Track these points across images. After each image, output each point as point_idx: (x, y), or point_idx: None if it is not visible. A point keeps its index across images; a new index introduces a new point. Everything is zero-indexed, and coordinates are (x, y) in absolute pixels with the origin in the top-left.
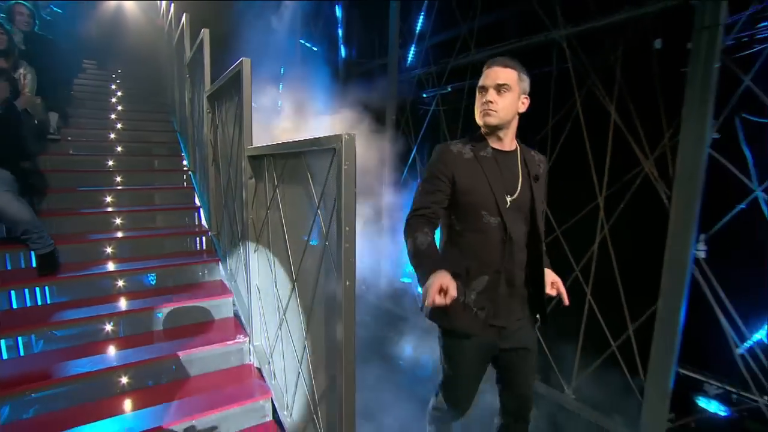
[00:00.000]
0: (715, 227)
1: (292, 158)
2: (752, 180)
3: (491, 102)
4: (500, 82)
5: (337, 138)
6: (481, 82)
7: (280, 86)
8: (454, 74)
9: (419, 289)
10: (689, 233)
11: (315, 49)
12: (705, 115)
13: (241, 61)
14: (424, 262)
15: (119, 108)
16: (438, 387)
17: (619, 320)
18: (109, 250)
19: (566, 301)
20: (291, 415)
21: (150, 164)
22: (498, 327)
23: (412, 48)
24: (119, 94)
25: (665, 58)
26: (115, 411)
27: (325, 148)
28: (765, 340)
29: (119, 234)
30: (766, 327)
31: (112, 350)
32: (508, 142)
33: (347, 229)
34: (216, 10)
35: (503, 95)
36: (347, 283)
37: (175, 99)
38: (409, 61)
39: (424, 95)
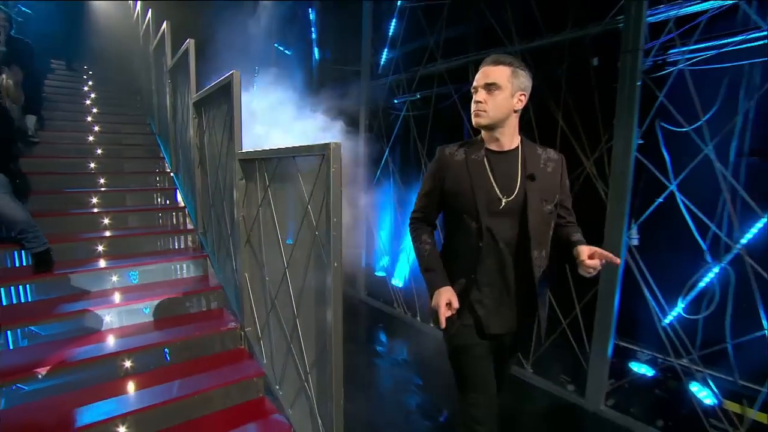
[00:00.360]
0: (641, 218)
1: (284, 161)
2: (669, 178)
3: (480, 102)
4: (489, 81)
5: (326, 146)
6: (473, 83)
7: (254, 87)
8: (422, 82)
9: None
10: (622, 223)
11: (288, 53)
12: (632, 124)
13: (232, 73)
14: (427, 276)
15: (95, 110)
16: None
17: (569, 301)
18: (100, 248)
19: (616, 260)
20: (281, 388)
21: (133, 167)
22: (486, 333)
23: (384, 56)
24: (93, 96)
25: (601, 74)
26: (118, 392)
27: (316, 154)
28: (682, 313)
29: (107, 233)
30: (680, 303)
31: (111, 339)
32: (507, 141)
33: (335, 219)
34: (189, 11)
35: (493, 94)
36: (335, 264)
37: (154, 102)
38: (381, 68)
39: (395, 101)
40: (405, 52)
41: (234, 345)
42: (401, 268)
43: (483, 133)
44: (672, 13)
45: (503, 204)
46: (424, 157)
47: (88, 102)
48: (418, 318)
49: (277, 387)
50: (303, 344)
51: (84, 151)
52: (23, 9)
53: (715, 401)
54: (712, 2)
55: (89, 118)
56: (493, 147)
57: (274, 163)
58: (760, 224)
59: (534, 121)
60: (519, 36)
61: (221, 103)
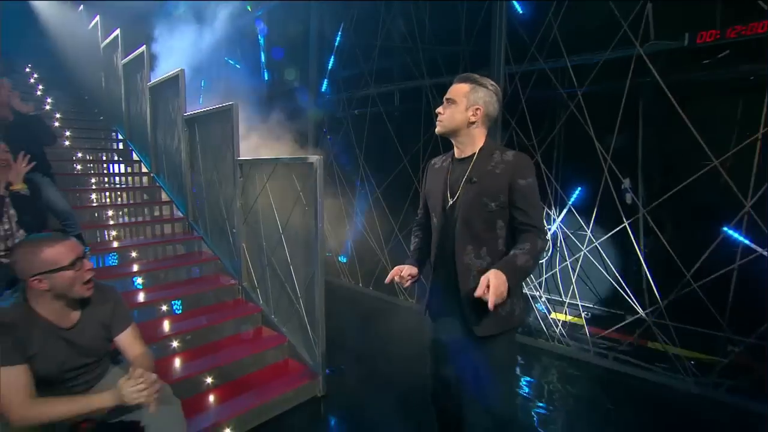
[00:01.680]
0: None
1: (281, 165)
2: None
3: (438, 113)
4: (447, 96)
5: (315, 157)
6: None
7: (200, 100)
8: (359, 101)
9: None
10: None
11: (238, 66)
12: (495, 138)
13: (233, 104)
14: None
15: (58, 115)
16: None
17: None
18: (113, 233)
19: (490, 305)
20: (276, 316)
21: (115, 169)
22: (438, 311)
23: (326, 79)
24: (49, 100)
25: None
26: (158, 328)
27: (308, 162)
28: None
29: (111, 222)
30: None
31: (141, 296)
32: (466, 149)
33: (320, 200)
34: (140, 21)
35: (448, 107)
36: (319, 225)
37: (124, 111)
38: (324, 88)
39: (338, 116)
40: (344, 77)
41: (233, 297)
42: (345, 249)
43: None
44: (518, 70)
45: (449, 204)
46: (362, 161)
47: (47, 107)
48: (360, 284)
49: (273, 316)
50: (295, 281)
51: (63, 154)
52: None
53: (546, 311)
54: (542, 65)
55: (57, 124)
56: (456, 154)
57: (271, 166)
58: None
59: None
60: (428, 74)
61: (218, 122)
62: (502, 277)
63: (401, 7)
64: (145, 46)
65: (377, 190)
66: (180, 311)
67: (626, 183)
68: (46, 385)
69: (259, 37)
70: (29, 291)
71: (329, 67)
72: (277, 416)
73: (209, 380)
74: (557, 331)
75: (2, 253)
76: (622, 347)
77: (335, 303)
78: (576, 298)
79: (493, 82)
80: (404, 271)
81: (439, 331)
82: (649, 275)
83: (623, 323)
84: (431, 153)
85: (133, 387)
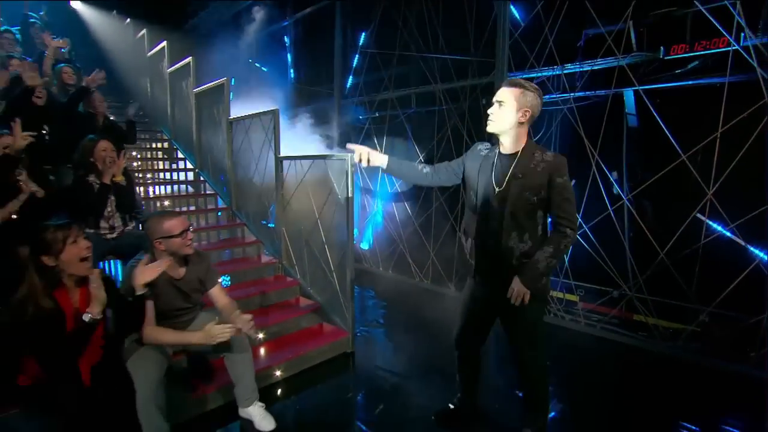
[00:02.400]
0: None
1: (317, 161)
2: None
3: (489, 114)
4: (498, 99)
5: (347, 154)
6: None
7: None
8: (379, 104)
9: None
10: None
11: (265, 69)
12: None
13: (275, 109)
14: None
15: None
16: None
17: None
18: None
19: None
20: (312, 288)
21: (161, 164)
22: (483, 281)
23: (349, 84)
24: None
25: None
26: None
27: (341, 159)
28: None
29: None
30: None
31: None
32: (509, 146)
33: (351, 193)
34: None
35: (500, 108)
36: (350, 210)
37: (169, 115)
38: (347, 91)
39: (360, 117)
40: (366, 81)
41: (273, 273)
42: (367, 237)
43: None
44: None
45: (496, 191)
46: None
47: None
48: (381, 269)
49: (309, 288)
50: (329, 257)
51: None
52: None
53: None
54: (539, 73)
55: None
56: (502, 149)
57: (308, 162)
58: None
59: (451, 137)
60: (441, 79)
61: (260, 124)
62: (523, 288)
63: (417, 19)
64: (191, 57)
65: (396, 184)
66: (228, 285)
67: (614, 175)
68: (161, 319)
69: (287, 43)
70: (154, 250)
71: (352, 73)
72: (315, 365)
73: (261, 336)
74: (554, 307)
75: (107, 230)
76: (609, 319)
77: (358, 284)
78: (570, 277)
79: (536, 86)
80: (371, 155)
81: (483, 293)
82: (630, 255)
83: (607, 297)
84: (444, 149)
85: (218, 330)
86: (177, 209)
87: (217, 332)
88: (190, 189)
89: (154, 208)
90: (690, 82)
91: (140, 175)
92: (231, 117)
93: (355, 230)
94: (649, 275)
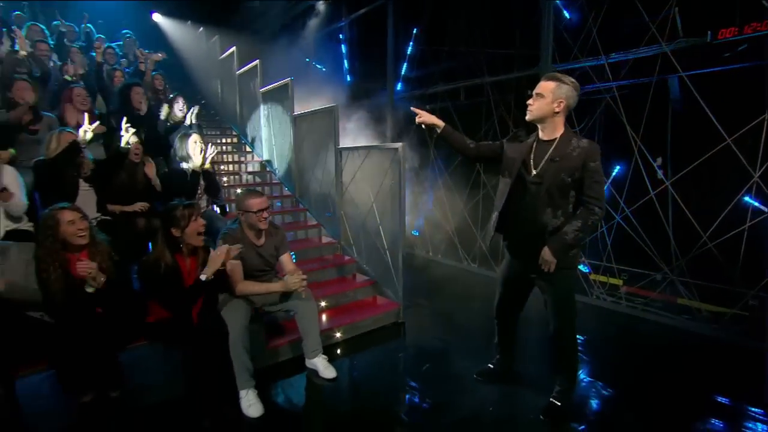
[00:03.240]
0: None
1: (373, 151)
2: None
3: (528, 104)
4: (537, 91)
5: (398, 144)
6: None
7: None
8: (429, 97)
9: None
10: None
11: (322, 68)
12: None
13: (335, 105)
14: None
15: None
16: None
17: None
18: None
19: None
20: (367, 265)
21: (231, 157)
22: (517, 254)
23: (401, 78)
24: None
25: None
26: None
27: (392, 148)
28: None
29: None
30: None
31: None
32: (547, 134)
33: (403, 181)
34: (249, 37)
35: (537, 100)
36: (402, 196)
37: (238, 113)
38: (399, 87)
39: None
40: (416, 76)
41: (333, 252)
42: (418, 224)
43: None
44: (563, 68)
45: (533, 173)
46: (433, 150)
47: None
48: (430, 253)
49: (365, 265)
50: (383, 237)
51: None
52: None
53: (588, 271)
54: (583, 64)
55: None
56: (540, 136)
57: (364, 152)
58: None
59: (498, 128)
60: (488, 72)
61: (321, 120)
62: (551, 256)
63: (465, 14)
64: (258, 61)
65: (445, 173)
66: (295, 261)
67: (659, 161)
68: (247, 278)
69: (342, 42)
70: (242, 221)
71: (403, 69)
72: (369, 331)
73: (323, 304)
74: (596, 289)
75: None
76: (650, 301)
77: (409, 267)
78: (612, 261)
79: (573, 80)
80: (431, 118)
81: (518, 265)
82: (673, 239)
83: (648, 280)
84: (491, 140)
85: (292, 280)
86: None
87: (292, 282)
88: (258, 179)
89: (228, 196)
90: (738, 66)
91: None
92: (295, 113)
93: (407, 216)
94: (693, 258)
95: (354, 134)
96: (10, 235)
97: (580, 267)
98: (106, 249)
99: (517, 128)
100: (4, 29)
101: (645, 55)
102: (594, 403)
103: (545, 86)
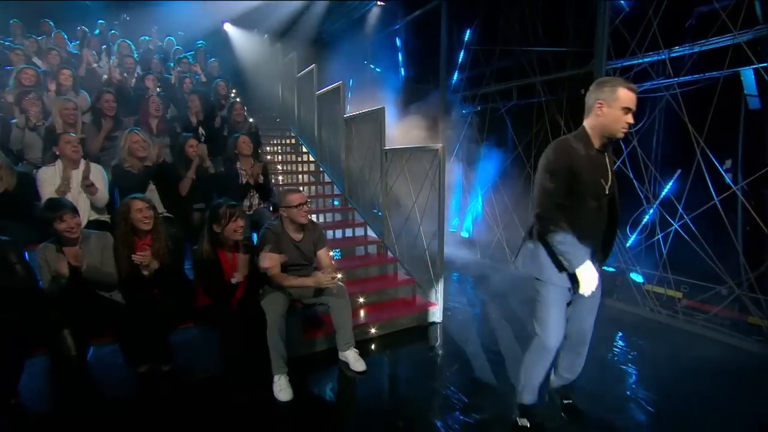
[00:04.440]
0: None
1: (415, 152)
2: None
3: (628, 123)
4: (632, 105)
5: (438, 145)
6: (631, 104)
7: (349, 94)
8: (481, 98)
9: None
10: None
11: (378, 70)
12: None
13: (382, 107)
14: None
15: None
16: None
17: None
18: None
19: None
20: (408, 265)
21: (288, 157)
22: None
23: (454, 78)
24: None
25: None
26: None
27: (433, 150)
28: (629, 236)
29: None
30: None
31: None
32: (601, 143)
33: (443, 181)
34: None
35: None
36: (441, 197)
37: (296, 115)
38: (452, 87)
39: (464, 111)
40: (469, 76)
41: (377, 251)
42: (467, 225)
43: (602, 138)
44: (618, 65)
45: (607, 189)
46: (483, 150)
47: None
48: (479, 256)
49: (405, 265)
50: (423, 238)
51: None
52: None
53: (642, 280)
54: (641, 60)
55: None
56: (595, 144)
57: (408, 153)
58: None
59: (548, 126)
60: (540, 71)
61: (369, 121)
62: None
63: (517, 13)
64: (315, 66)
65: (496, 173)
66: (339, 257)
67: (728, 163)
68: (285, 271)
69: (398, 44)
70: (283, 217)
71: (457, 69)
72: (405, 329)
73: (362, 300)
74: (650, 301)
75: (247, 208)
76: (712, 317)
77: (455, 269)
78: (668, 271)
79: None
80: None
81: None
82: (741, 250)
83: (710, 294)
84: (542, 142)
85: (323, 277)
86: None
87: (323, 278)
88: (312, 178)
89: None
90: None
91: (273, 166)
92: (345, 115)
93: (456, 219)
94: (766, 272)
95: (407, 135)
96: (92, 224)
97: (633, 276)
98: (165, 238)
99: (567, 133)
100: (104, 46)
101: (714, 47)
102: (638, 428)
103: (589, 94)
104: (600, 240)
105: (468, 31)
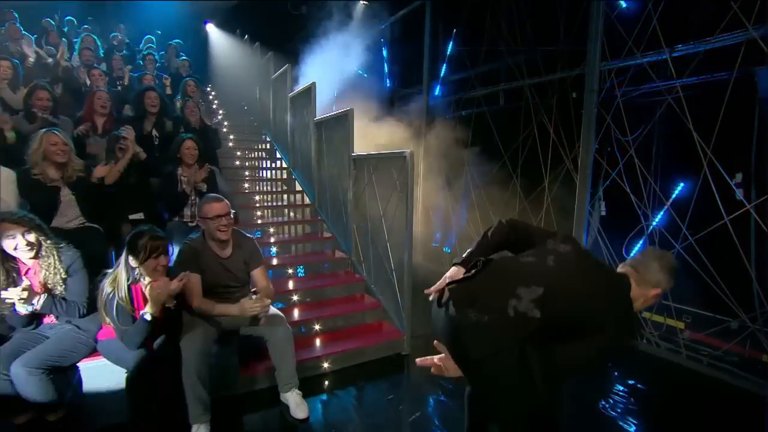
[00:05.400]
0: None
1: (383, 159)
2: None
3: None
4: None
5: (407, 150)
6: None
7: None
8: (465, 102)
9: None
10: (585, 199)
11: (365, 75)
12: (590, 135)
13: (350, 109)
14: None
15: (226, 123)
16: None
17: None
18: (258, 213)
19: None
20: (375, 286)
21: (261, 163)
22: None
23: (438, 84)
24: (221, 111)
25: (577, 103)
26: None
27: (400, 157)
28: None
29: (257, 205)
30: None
31: (275, 260)
32: None
33: (411, 191)
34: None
35: None
36: (409, 210)
37: (271, 118)
38: (437, 92)
39: (447, 116)
40: (453, 80)
41: (344, 268)
42: (450, 241)
43: None
44: (614, 66)
45: None
46: (466, 158)
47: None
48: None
49: (372, 285)
50: (391, 258)
51: (228, 152)
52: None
53: None
54: (634, 61)
55: (225, 129)
56: None
57: (375, 160)
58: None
59: (536, 132)
60: (528, 74)
61: (340, 125)
62: None
63: (505, 10)
64: (288, 65)
65: (480, 185)
66: (303, 275)
67: (738, 177)
68: (210, 295)
69: (383, 46)
70: (204, 231)
71: (441, 73)
72: (367, 362)
73: (317, 327)
74: (647, 330)
75: (188, 218)
76: (721, 354)
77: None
78: (668, 298)
79: None
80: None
81: None
82: (754, 276)
83: (718, 328)
84: (530, 149)
85: (249, 304)
86: (271, 204)
87: (248, 304)
88: (284, 186)
89: (247, 201)
90: None
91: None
92: (316, 118)
93: (438, 233)
94: None
95: (391, 142)
96: (79, 229)
97: None
98: (56, 265)
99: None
100: (64, 39)
101: (723, 45)
102: None
103: None
104: None
105: (453, 32)
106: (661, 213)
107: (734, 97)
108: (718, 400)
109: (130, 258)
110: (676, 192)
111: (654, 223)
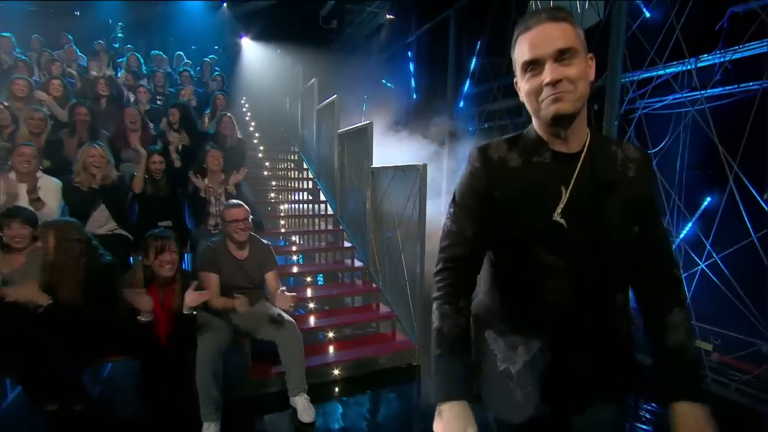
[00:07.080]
0: None
1: (398, 171)
2: None
3: (559, 81)
4: (562, 46)
5: (420, 165)
6: (527, 56)
7: (362, 118)
8: (488, 115)
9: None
10: None
11: (391, 86)
12: None
13: (370, 122)
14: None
15: (257, 134)
16: None
17: None
18: (282, 222)
19: None
20: (389, 295)
21: (290, 174)
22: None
23: (462, 95)
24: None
25: (598, 116)
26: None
27: (414, 170)
28: None
29: (282, 214)
30: None
31: (295, 268)
32: (574, 139)
33: (424, 203)
34: (323, 57)
35: (572, 64)
36: (422, 221)
37: (299, 131)
38: (460, 105)
39: (470, 129)
40: (476, 92)
41: (362, 278)
42: None
43: (546, 128)
44: (636, 77)
45: (567, 226)
46: None
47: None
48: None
49: (387, 295)
50: (405, 268)
51: (257, 162)
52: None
53: None
54: (657, 72)
55: (255, 141)
56: (558, 147)
57: (392, 172)
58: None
59: None
60: None
61: (361, 138)
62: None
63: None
64: (315, 79)
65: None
66: (322, 282)
67: (766, 194)
68: (226, 295)
69: (410, 60)
70: (225, 233)
71: (465, 87)
72: (377, 371)
73: (332, 334)
74: None
75: (212, 227)
76: (753, 381)
77: None
78: (692, 316)
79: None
80: None
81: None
82: None
83: (750, 350)
84: None
85: (235, 300)
86: (296, 213)
87: (237, 303)
88: (309, 195)
89: (274, 210)
90: None
91: (270, 182)
92: (339, 131)
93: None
94: None
95: (409, 153)
96: (109, 236)
97: None
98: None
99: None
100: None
101: (752, 54)
102: None
103: (570, 34)
104: (582, 345)
105: (478, 45)
106: (686, 229)
107: (764, 108)
108: (746, 429)
109: (143, 257)
110: (702, 207)
111: (678, 240)
